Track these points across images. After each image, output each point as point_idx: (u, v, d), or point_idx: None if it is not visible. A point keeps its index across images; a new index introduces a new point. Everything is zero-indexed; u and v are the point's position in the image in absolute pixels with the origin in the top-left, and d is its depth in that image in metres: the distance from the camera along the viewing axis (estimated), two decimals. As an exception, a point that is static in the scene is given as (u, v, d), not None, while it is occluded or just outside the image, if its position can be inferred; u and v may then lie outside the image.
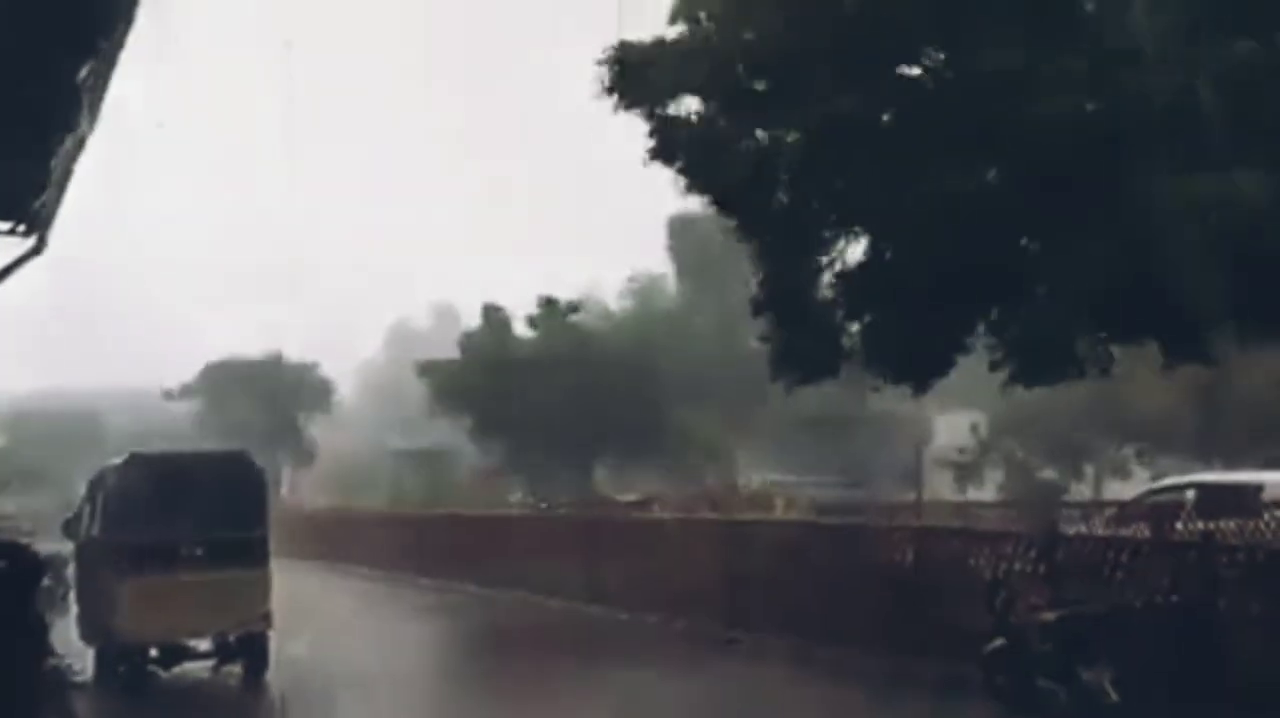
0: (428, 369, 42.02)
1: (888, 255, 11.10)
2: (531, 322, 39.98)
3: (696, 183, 11.88)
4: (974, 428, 41.74)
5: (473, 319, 42.63)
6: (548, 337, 39.15)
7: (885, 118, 10.51)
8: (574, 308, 40.12)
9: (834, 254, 11.68)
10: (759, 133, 11.46)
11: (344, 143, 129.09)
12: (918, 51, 10.70)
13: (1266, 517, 15.52)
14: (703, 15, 11.27)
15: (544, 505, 37.66)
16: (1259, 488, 16.99)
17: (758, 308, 12.31)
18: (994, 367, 11.11)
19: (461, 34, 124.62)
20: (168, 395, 61.90)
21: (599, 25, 12.89)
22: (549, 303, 39.61)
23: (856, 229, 11.46)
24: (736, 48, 10.92)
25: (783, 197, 11.38)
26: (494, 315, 40.66)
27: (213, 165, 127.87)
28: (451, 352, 42.11)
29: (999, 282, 10.16)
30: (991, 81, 9.63)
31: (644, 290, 44.90)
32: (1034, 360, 10.74)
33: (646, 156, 11.62)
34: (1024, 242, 10.10)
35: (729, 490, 35.16)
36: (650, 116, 11.65)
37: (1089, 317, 10.28)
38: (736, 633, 15.34)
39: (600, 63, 11.58)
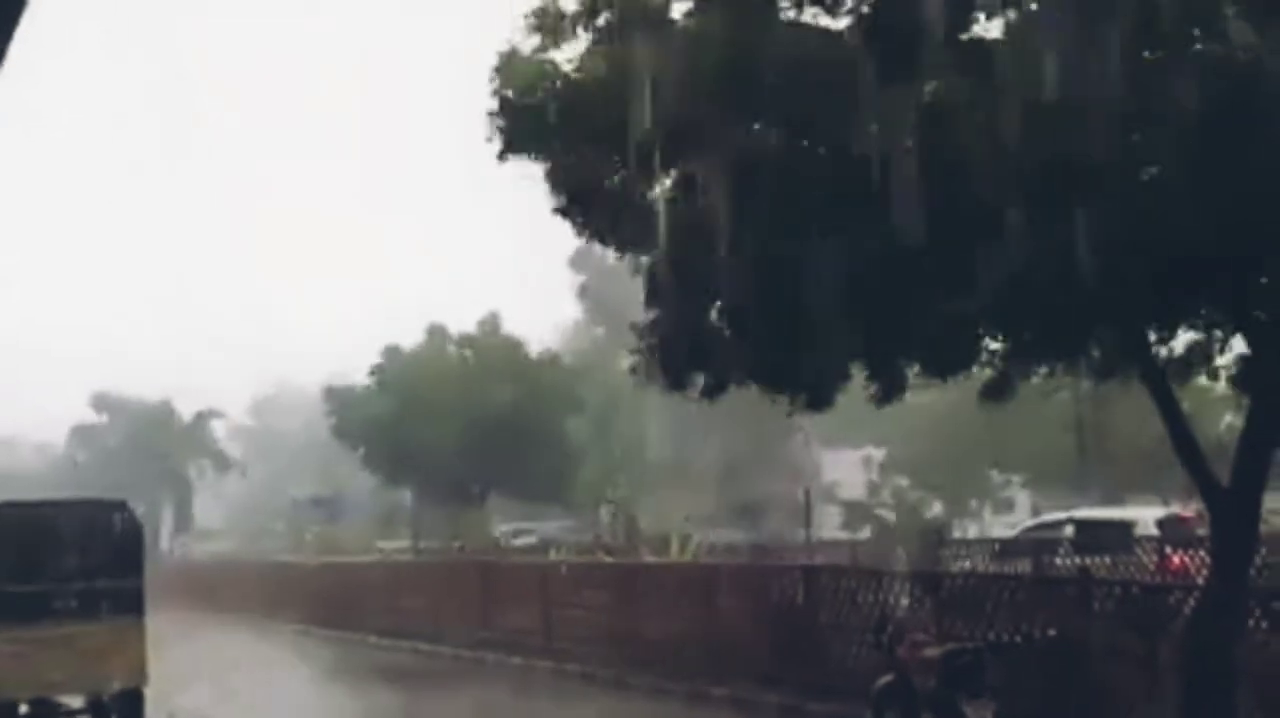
0: (331, 396, 40.32)
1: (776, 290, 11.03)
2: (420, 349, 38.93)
3: (597, 235, 11.71)
4: (866, 462, 42.54)
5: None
6: (441, 367, 38.27)
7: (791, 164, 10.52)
8: (468, 341, 39.30)
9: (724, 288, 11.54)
10: (658, 186, 11.30)
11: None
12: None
13: (1138, 552, 16.16)
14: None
15: (421, 547, 36.98)
16: (1131, 524, 17.69)
17: (642, 331, 12.09)
18: (872, 395, 11.22)
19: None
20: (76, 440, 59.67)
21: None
22: (436, 330, 38.80)
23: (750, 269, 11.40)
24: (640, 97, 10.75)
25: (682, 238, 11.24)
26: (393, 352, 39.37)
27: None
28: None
29: (877, 313, 10.16)
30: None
31: (560, 335, 44.67)
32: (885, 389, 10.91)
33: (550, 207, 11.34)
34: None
35: (628, 533, 35.14)
36: (546, 162, 11.35)
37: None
38: (632, 674, 15.25)
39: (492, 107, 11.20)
